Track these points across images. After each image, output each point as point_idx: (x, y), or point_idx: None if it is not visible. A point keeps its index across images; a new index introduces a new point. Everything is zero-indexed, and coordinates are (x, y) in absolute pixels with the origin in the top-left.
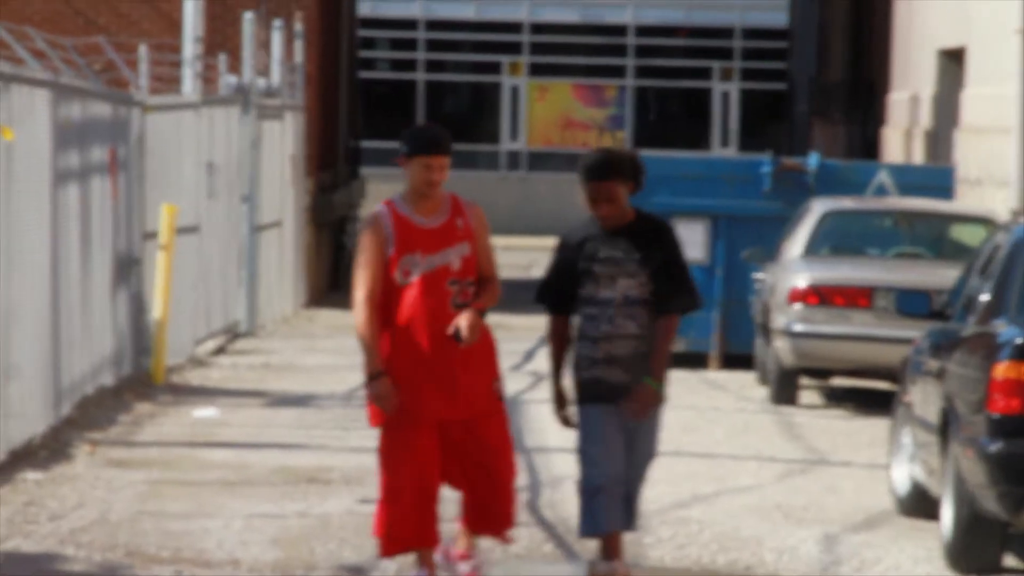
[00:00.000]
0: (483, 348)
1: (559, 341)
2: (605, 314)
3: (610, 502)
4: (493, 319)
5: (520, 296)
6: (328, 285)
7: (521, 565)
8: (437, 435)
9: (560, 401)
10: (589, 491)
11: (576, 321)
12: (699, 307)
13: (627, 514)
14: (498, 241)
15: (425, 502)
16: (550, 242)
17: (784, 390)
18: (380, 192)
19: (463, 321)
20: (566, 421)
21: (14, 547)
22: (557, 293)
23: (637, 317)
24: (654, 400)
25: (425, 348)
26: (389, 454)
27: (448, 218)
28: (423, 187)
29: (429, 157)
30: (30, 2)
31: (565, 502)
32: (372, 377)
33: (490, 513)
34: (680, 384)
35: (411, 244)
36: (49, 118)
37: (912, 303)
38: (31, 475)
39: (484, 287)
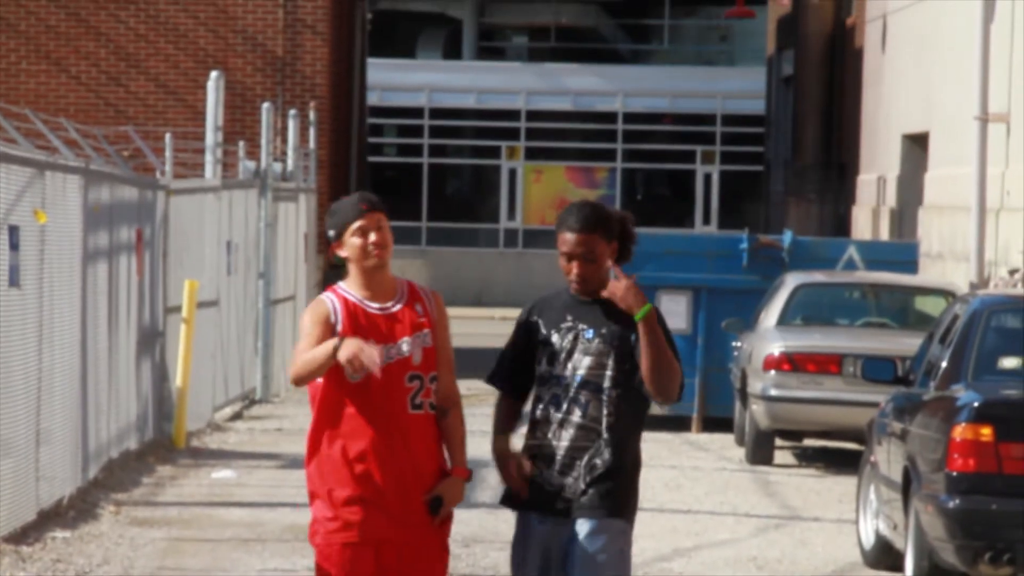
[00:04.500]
0: (434, 459)
1: (503, 421)
2: (551, 394)
3: None
4: (484, 386)
5: None
6: None
7: None
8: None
9: (502, 458)
10: None
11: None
12: (672, 401)
13: None
14: (495, 312)
15: None
16: None
17: (760, 450)
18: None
19: (448, 498)
20: (516, 481)
21: None
22: (509, 368)
23: (586, 404)
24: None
25: (375, 459)
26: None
27: (406, 302)
28: (365, 256)
29: (360, 220)
30: (65, 95)
31: None
32: (337, 346)
33: None
34: (663, 445)
35: (362, 332)
36: (80, 202)
37: (878, 369)
38: (60, 533)
39: (449, 419)
